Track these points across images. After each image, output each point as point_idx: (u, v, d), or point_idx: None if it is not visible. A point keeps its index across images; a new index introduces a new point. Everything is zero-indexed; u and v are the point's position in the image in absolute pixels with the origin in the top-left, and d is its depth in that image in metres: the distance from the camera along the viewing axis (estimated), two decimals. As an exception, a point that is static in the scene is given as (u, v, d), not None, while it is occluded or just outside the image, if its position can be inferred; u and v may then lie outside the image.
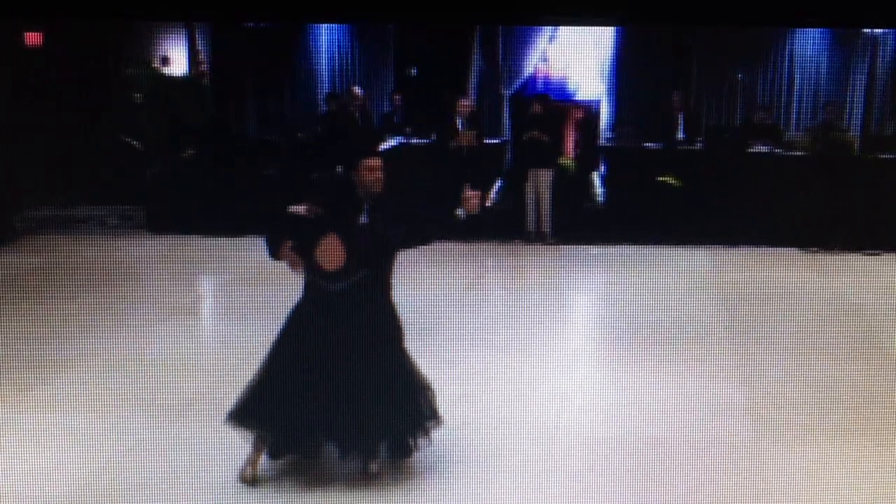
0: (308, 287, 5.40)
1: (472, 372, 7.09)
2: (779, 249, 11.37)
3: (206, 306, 9.81)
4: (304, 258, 5.35)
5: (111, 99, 13.76)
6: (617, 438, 6.03)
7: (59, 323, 8.16)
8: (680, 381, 7.09)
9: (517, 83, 14.19)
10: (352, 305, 5.29)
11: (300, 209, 5.44)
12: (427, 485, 5.47)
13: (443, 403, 5.88)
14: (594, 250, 11.56)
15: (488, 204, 12.65)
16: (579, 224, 12.13)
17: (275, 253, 5.46)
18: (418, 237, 5.62)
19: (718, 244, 11.48)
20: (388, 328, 5.43)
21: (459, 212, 5.51)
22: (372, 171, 5.45)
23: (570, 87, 14.20)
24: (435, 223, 5.69)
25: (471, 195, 5.51)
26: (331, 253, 5.27)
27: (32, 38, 13.46)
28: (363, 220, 5.46)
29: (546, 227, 12.22)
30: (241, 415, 5.37)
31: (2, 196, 11.86)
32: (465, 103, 12.71)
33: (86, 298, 8.84)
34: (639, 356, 7.67)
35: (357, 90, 13.83)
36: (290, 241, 5.40)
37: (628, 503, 5.32)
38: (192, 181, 12.25)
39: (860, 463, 5.67)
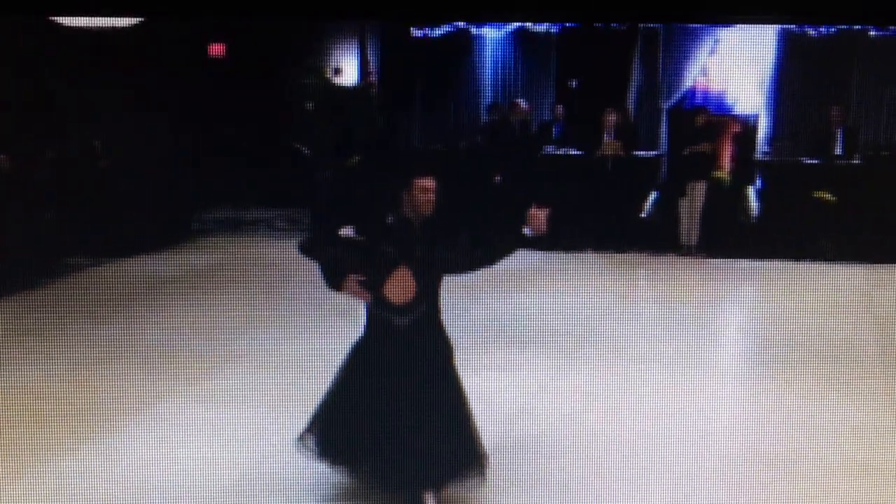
0: (373, 322, 5.08)
1: (613, 383, 7.19)
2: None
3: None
4: (372, 292, 5.03)
5: (285, 107, 14.41)
6: (757, 459, 5.98)
7: (226, 320, 8.56)
8: (825, 402, 6.95)
9: (676, 96, 14.23)
10: (419, 337, 4.99)
11: (349, 232, 5.06)
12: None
13: (581, 412, 6.09)
14: (747, 264, 11.52)
15: (643, 215, 12.79)
16: (732, 237, 12.14)
17: (337, 286, 5.13)
18: (486, 257, 5.13)
19: (874, 262, 11.25)
20: (448, 354, 5.11)
21: (526, 230, 5.04)
22: (425, 192, 5.01)
23: (729, 99, 14.15)
24: (502, 241, 5.16)
25: (534, 213, 5.04)
26: (401, 286, 4.98)
27: (216, 49, 14.28)
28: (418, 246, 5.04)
29: (695, 239, 12.30)
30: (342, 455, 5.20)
31: (181, 198, 12.62)
32: (611, 116, 12.88)
33: (251, 297, 9.30)
34: (781, 374, 7.56)
35: (521, 103, 14.05)
36: (353, 273, 5.07)
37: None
38: (356, 187, 12.75)
39: None
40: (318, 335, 7.83)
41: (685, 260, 12.13)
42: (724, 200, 12.49)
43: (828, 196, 11.90)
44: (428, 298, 5.02)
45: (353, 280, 5.07)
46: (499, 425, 6.13)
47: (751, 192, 12.87)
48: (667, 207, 12.77)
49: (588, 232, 12.00)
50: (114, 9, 4.93)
